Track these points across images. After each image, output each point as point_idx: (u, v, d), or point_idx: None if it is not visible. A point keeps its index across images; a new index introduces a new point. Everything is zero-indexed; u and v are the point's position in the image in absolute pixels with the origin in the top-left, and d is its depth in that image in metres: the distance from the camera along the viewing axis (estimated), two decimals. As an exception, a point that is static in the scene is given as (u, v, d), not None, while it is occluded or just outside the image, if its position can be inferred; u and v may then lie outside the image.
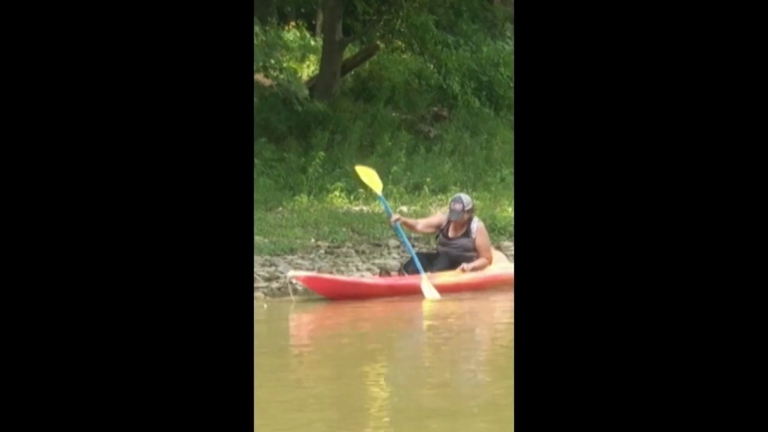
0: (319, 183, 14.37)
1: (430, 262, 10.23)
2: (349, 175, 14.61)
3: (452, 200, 10.59)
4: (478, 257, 10.28)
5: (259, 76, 15.61)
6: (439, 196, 14.35)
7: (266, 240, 11.44)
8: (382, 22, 18.25)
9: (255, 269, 10.19)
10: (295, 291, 9.66)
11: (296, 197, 13.81)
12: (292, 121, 15.96)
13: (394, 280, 10.08)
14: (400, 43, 19.15)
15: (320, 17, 19.75)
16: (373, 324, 8.87)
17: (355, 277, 10.46)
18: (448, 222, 10.43)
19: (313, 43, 19.67)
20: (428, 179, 14.80)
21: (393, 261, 11.34)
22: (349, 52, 18.11)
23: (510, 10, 20.03)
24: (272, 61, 15.72)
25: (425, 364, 6.92)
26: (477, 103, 18.24)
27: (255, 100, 13.97)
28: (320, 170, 14.55)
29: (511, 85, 18.45)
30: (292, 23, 20.35)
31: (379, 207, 12.04)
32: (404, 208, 13.22)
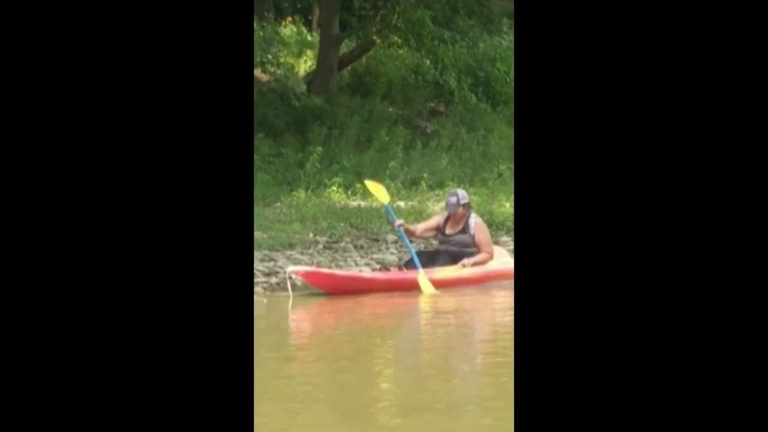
0: (316, 178, 14.38)
1: (431, 259, 10.24)
2: (347, 170, 14.65)
3: (449, 194, 10.67)
4: (479, 252, 10.29)
5: (256, 72, 15.60)
6: (436, 192, 14.36)
7: (265, 235, 11.46)
8: (378, 18, 18.28)
9: (254, 264, 10.19)
10: (294, 286, 9.67)
11: (294, 192, 13.82)
12: (290, 117, 15.97)
13: (393, 275, 10.10)
14: (396, 38, 19.17)
15: (317, 13, 19.74)
16: (372, 319, 8.88)
17: (353, 271, 10.47)
18: (446, 219, 10.46)
19: (309, 38, 19.66)
20: (425, 175, 14.81)
21: (391, 256, 11.35)
22: (346, 47, 18.12)
23: (506, 5, 20.07)
24: (269, 57, 15.73)
25: (425, 358, 6.92)
26: (474, 99, 18.26)
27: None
28: (318, 165, 14.56)
29: (508, 80, 18.48)
30: (289, 19, 20.33)
31: (377, 202, 12.06)
32: (401, 204, 13.23)
